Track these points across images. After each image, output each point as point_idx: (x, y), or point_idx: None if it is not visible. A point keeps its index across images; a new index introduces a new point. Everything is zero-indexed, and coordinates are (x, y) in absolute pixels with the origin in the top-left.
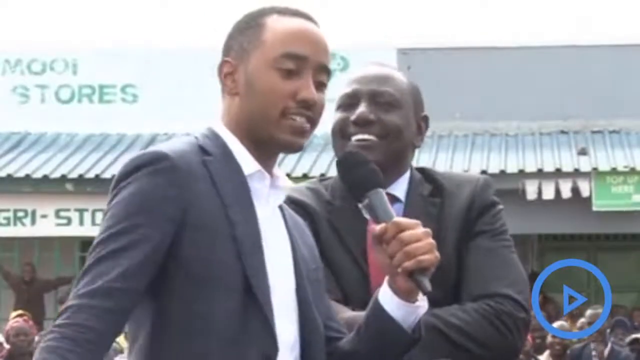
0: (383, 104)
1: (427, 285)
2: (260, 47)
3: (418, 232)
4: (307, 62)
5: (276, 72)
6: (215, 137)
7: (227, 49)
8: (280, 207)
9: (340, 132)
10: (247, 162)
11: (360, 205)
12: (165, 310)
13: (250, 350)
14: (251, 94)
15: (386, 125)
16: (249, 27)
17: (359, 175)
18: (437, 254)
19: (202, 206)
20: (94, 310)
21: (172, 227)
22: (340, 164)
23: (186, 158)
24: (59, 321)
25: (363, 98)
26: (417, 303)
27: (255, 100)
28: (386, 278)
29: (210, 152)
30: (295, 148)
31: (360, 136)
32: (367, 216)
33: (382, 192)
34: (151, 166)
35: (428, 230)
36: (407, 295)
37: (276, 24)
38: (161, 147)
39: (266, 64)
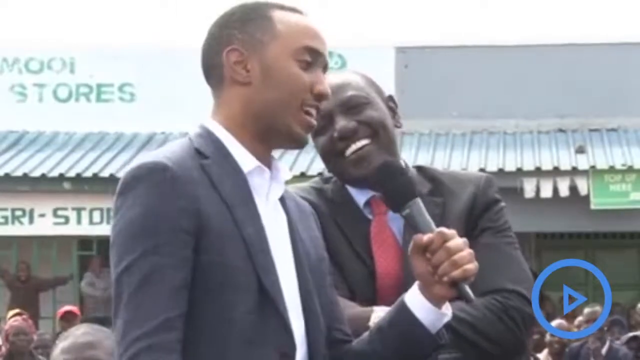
0: (354, 107)
1: (471, 293)
2: (277, 38)
3: (460, 241)
4: (320, 58)
5: (296, 63)
6: (209, 136)
7: (226, 38)
8: (282, 199)
9: (332, 152)
10: (245, 159)
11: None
12: (186, 319)
13: (269, 349)
14: (271, 83)
15: (369, 123)
16: (253, 18)
17: (398, 185)
18: (476, 263)
19: (209, 212)
20: (170, 346)
21: (191, 238)
22: (378, 174)
23: (185, 165)
24: None
25: (334, 113)
26: (443, 310)
27: (277, 89)
28: (416, 283)
29: (207, 154)
30: (302, 143)
31: (353, 147)
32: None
33: (420, 202)
34: (152, 179)
35: (466, 240)
36: (439, 302)
37: (287, 18)
38: (159, 156)
39: (287, 55)
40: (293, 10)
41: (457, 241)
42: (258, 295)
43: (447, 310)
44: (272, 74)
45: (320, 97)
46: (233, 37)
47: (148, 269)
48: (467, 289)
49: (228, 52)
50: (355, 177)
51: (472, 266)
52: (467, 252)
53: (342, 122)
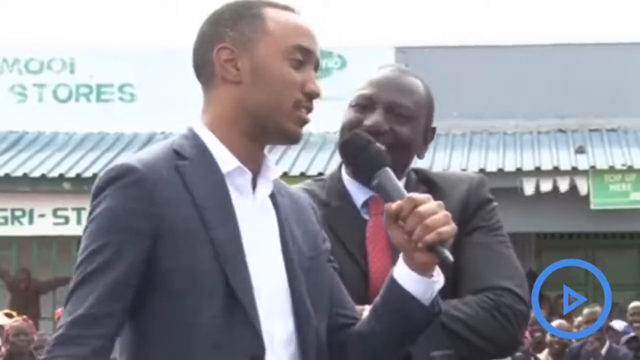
0: (398, 115)
1: (450, 255)
2: (268, 36)
3: (433, 205)
4: (311, 57)
5: (287, 62)
6: (194, 137)
7: (217, 36)
8: (273, 196)
9: (350, 129)
10: (226, 159)
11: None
12: (147, 324)
13: (236, 353)
14: (262, 82)
15: (398, 137)
16: (244, 16)
17: (365, 156)
18: (453, 225)
19: (176, 214)
20: (80, 340)
21: (145, 240)
22: (344, 148)
23: (156, 167)
24: (48, 355)
25: (380, 105)
26: (434, 278)
27: (268, 88)
28: (401, 256)
29: (186, 155)
30: (298, 139)
31: None
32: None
33: (390, 170)
34: (119, 181)
35: (440, 202)
36: (424, 270)
37: (278, 17)
38: (131, 159)
39: (278, 54)
40: (285, 8)
41: (429, 205)
42: (226, 298)
43: (438, 276)
44: (262, 72)
45: (312, 96)
46: (224, 34)
47: (93, 267)
48: (446, 251)
49: (218, 50)
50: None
51: (448, 228)
52: (442, 214)
53: (378, 118)
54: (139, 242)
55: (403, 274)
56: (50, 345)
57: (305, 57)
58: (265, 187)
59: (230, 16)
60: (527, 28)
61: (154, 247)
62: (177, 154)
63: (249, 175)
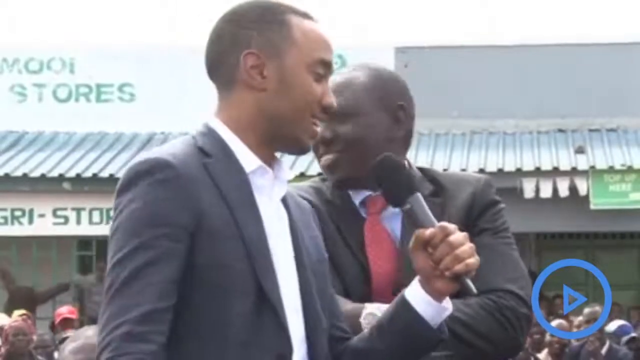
0: (337, 116)
1: (474, 287)
2: (295, 47)
3: (461, 236)
4: (330, 70)
5: (311, 75)
6: (213, 134)
7: (243, 39)
8: (283, 198)
9: (315, 152)
10: (248, 159)
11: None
12: (180, 319)
13: (265, 351)
14: (286, 92)
15: (343, 139)
16: (270, 21)
17: (396, 181)
18: (477, 257)
19: (210, 212)
20: (147, 337)
21: (187, 236)
22: (376, 171)
23: (187, 163)
24: (114, 352)
25: None
26: (443, 304)
27: (291, 98)
28: (417, 278)
29: (210, 152)
30: (306, 151)
31: (323, 158)
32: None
33: (420, 196)
34: (154, 175)
35: (466, 234)
36: (439, 296)
37: (303, 26)
38: (161, 152)
39: (304, 66)
40: (306, 16)
41: (459, 235)
42: (256, 297)
43: (447, 304)
44: (288, 83)
45: (327, 109)
46: (251, 39)
47: (139, 263)
48: (470, 282)
49: (245, 56)
50: (332, 180)
51: (474, 260)
52: (468, 246)
53: (321, 129)
54: (183, 237)
55: (416, 295)
56: (113, 342)
57: (325, 70)
58: (280, 188)
59: (255, 19)
60: (527, 28)
61: (192, 243)
62: (201, 151)
63: (270, 175)
